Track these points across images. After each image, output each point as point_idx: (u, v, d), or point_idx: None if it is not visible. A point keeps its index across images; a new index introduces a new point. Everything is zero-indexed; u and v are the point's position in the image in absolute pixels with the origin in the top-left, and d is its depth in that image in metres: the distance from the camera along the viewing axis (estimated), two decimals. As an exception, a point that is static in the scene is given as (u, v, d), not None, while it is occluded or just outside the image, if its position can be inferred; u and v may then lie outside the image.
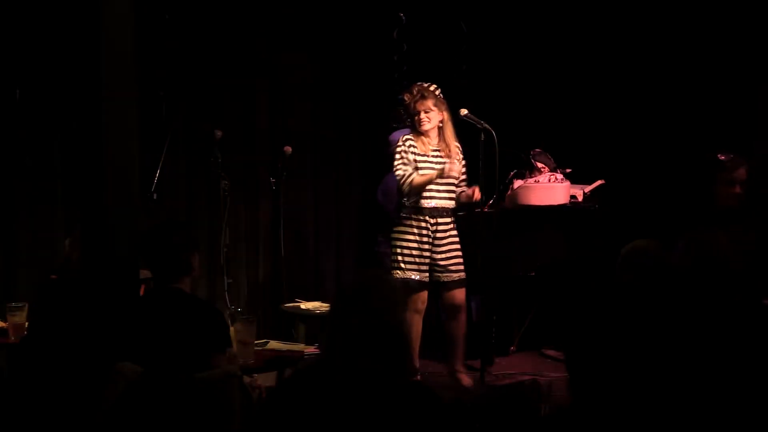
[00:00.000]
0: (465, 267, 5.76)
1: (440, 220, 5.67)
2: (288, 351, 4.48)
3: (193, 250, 3.79)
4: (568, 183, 6.45)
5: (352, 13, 6.89)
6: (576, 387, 2.11)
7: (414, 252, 5.67)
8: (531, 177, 6.47)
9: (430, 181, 5.62)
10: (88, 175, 4.14)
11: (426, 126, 5.64)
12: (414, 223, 5.68)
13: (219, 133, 5.93)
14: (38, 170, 5.69)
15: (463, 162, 5.76)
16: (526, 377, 5.67)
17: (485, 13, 7.13)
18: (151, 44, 5.83)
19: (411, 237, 5.68)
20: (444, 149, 5.69)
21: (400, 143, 5.70)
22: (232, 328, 3.97)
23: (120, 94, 4.07)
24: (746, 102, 6.57)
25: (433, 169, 5.63)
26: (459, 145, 5.76)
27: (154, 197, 5.66)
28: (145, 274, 4.20)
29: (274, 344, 4.63)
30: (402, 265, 5.67)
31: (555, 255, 6.43)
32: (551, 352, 6.48)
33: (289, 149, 6.20)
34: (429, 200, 5.66)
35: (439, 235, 5.67)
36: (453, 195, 5.72)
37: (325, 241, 6.99)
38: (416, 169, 5.64)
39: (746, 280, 3.53)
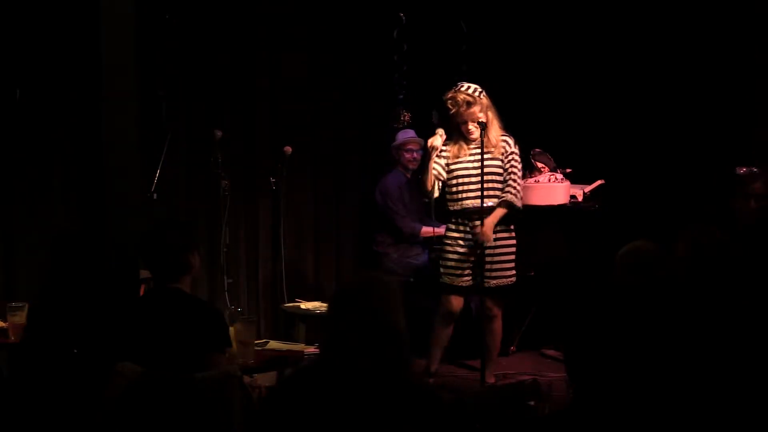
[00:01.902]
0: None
1: (478, 223, 5.51)
2: (288, 351, 4.48)
3: (193, 250, 3.79)
4: (568, 183, 6.45)
5: (352, 13, 6.90)
6: (576, 387, 2.11)
7: (451, 256, 5.65)
8: (531, 177, 6.47)
9: (427, 163, 5.56)
10: (89, 175, 4.14)
11: (474, 135, 5.53)
12: (453, 227, 5.67)
13: (219, 133, 5.93)
14: (38, 170, 5.69)
15: (510, 158, 5.58)
16: (526, 377, 5.67)
17: (485, 13, 7.13)
18: (151, 44, 5.83)
19: (449, 241, 5.67)
20: (487, 145, 5.52)
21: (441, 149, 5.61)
22: (232, 328, 3.97)
23: (120, 94, 4.07)
24: (745, 100, 6.58)
25: (467, 170, 5.56)
26: (508, 140, 5.60)
27: (154, 197, 5.66)
28: (145, 274, 4.20)
29: (274, 344, 4.63)
30: (441, 270, 5.69)
31: (555, 255, 6.43)
32: (551, 352, 6.48)
33: (289, 149, 6.21)
34: (458, 202, 5.61)
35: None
36: (495, 193, 5.56)
37: (325, 241, 6.99)
38: (448, 173, 5.61)
39: (745, 278, 3.53)
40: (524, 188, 6.34)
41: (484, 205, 5.49)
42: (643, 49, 6.96)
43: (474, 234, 5.51)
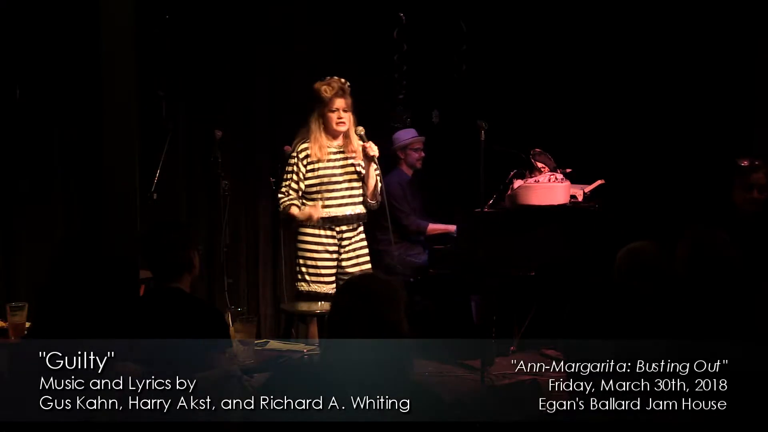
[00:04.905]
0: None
1: (344, 228, 5.38)
2: (288, 351, 4.48)
3: (193, 248, 3.79)
4: (568, 183, 6.44)
5: (352, 12, 6.89)
6: (574, 386, 2.11)
7: (319, 263, 5.42)
8: (531, 177, 6.46)
9: (296, 219, 5.33)
10: (88, 174, 4.14)
11: (342, 128, 5.32)
12: (315, 233, 5.39)
13: (219, 133, 5.93)
14: (38, 170, 5.69)
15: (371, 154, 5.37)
16: (526, 377, 5.67)
17: (485, 13, 7.13)
18: (151, 44, 5.83)
19: (313, 247, 5.41)
20: (348, 148, 5.39)
21: (293, 152, 5.39)
22: (232, 328, 3.97)
23: (120, 94, 4.07)
24: (745, 97, 6.58)
25: (332, 175, 5.36)
26: (366, 143, 5.41)
27: (154, 197, 5.66)
28: (145, 274, 4.20)
29: (274, 344, 4.63)
30: (306, 277, 5.45)
31: (555, 255, 6.42)
32: (551, 352, 6.47)
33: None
34: (328, 209, 5.36)
35: (344, 243, 5.40)
36: (359, 201, 5.41)
37: (325, 241, 6.97)
38: (302, 180, 5.35)
39: (746, 278, 3.53)
40: (524, 188, 6.35)
41: (352, 213, 5.38)
42: (642, 48, 6.96)
43: (365, 148, 5.28)
